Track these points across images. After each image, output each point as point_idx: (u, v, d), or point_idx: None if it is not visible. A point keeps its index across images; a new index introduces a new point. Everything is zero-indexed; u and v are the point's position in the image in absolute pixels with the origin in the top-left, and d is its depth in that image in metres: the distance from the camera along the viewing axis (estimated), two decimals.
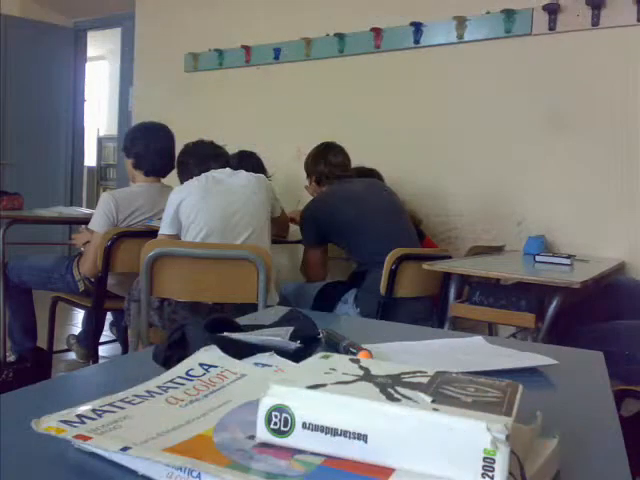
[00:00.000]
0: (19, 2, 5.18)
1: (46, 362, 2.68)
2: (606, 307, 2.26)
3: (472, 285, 2.07)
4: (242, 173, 2.30)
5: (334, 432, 0.42)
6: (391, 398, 0.43)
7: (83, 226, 2.60)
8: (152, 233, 2.29)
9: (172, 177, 2.59)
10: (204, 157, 2.36)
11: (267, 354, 0.66)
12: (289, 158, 3.55)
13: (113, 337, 3.21)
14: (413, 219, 2.72)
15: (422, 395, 0.43)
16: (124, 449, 0.41)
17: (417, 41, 3.23)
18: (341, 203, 2.51)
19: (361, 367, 0.50)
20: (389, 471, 0.40)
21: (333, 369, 0.49)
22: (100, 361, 2.68)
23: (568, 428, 0.51)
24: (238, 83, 3.95)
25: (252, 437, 0.45)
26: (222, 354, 0.63)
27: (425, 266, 2.02)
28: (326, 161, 2.64)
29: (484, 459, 0.38)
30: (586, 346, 0.95)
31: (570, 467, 0.47)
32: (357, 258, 2.51)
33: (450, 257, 2.45)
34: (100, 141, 7.68)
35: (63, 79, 5.38)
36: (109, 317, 3.11)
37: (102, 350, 3.07)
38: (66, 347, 3.13)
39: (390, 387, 0.45)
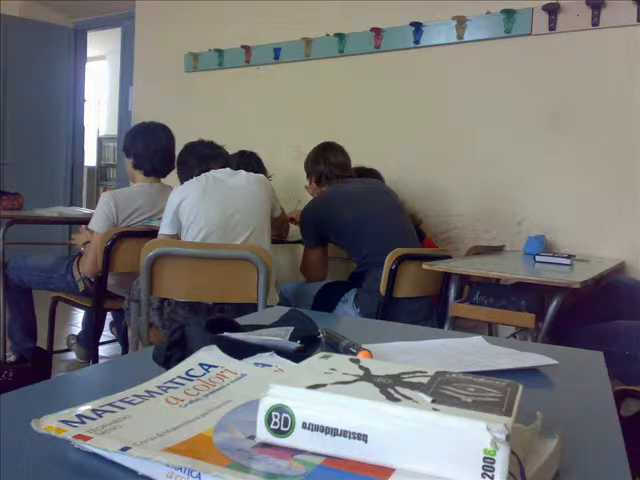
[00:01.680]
0: (19, 2, 5.18)
1: (46, 362, 2.68)
2: (606, 307, 2.26)
3: (472, 285, 2.07)
4: (242, 173, 2.30)
5: (334, 432, 0.42)
6: (391, 398, 0.43)
7: (83, 226, 2.60)
8: (152, 233, 2.30)
9: (172, 177, 2.59)
10: (204, 157, 2.36)
11: (267, 354, 0.66)
12: (289, 158, 3.55)
13: (113, 337, 3.21)
14: (413, 219, 2.72)
15: (422, 395, 0.43)
16: (124, 449, 0.41)
17: (417, 41, 3.24)
18: (341, 203, 2.51)
19: (361, 367, 0.50)
20: (389, 471, 0.40)
21: (333, 369, 0.49)
22: (100, 361, 2.68)
23: (568, 428, 0.51)
24: (238, 83, 3.95)
25: (252, 437, 0.45)
26: (222, 354, 0.63)
27: (425, 266, 2.02)
28: (326, 161, 2.64)
29: (484, 459, 0.38)
30: (586, 346, 0.95)
31: (570, 467, 0.47)
32: (357, 258, 2.51)
33: (450, 257, 2.45)
34: (100, 141, 7.69)
35: (63, 79, 5.38)
36: (109, 317, 3.11)
37: (102, 350, 3.07)
38: (66, 347, 3.14)
39: (390, 387, 0.45)
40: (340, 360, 0.53)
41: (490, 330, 2.88)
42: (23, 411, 0.53)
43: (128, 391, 0.53)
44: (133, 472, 0.41)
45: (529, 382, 0.54)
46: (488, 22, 3.03)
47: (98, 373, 0.79)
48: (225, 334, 0.69)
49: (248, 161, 2.90)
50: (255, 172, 2.41)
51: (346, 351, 0.73)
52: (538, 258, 2.32)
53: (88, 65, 5.74)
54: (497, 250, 2.86)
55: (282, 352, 0.67)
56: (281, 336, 0.71)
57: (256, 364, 0.63)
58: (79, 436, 0.43)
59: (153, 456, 0.40)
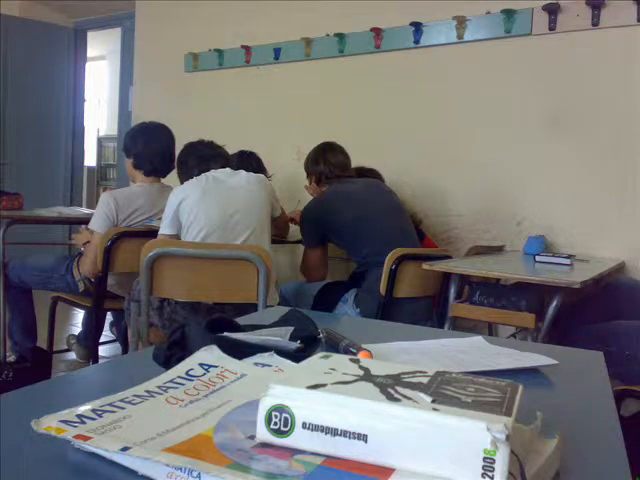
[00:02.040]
0: (19, 2, 5.18)
1: (46, 362, 2.68)
2: (606, 307, 2.26)
3: (472, 285, 2.07)
4: (242, 173, 2.30)
5: (334, 432, 0.42)
6: (391, 398, 0.43)
7: (83, 226, 2.60)
8: (152, 233, 2.30)
9: (172, 177, 2.59)
10: (204, 157, 2.36)
11: (267, 354, 0.66)
12: (289, 158, 3.55)
13: (113, 337, 3.21)
14: (413, 219, 2.72)
15: (422, 395, 0.43)
16: (124, 449, 0.41)
17: (417, 41, 3.23)
18: (341, 203, 2.51)
19: (361, 367, 0.50)
20: (389, 471, 0.40)
21: (333, 369, 0.49)
22: (100, 361, 2.68)
23: (568, 428, 0.51)
24: (238, 83, 3.95)
25: (252, 437, 0.45)
26: (222, 354, 0.63)
27: (425, 266, 2.02)
28: (326, 161, 2.64)
29: (484, 459, 0.38)
30: (586, 346, 0.95)
31: (570, 467, 0.47)
32: (357, 258, 2.51)
33: (450, 257, 2.45)
34: (100, 141, 7.69)
35: (63, 79, 5.38)
36: (109, 317, 3.11)
37: (102, 350, 3.07)
38: (66, 347, 3.14)
39: (390, 387, 0.45)
40: (340, 360, 0.53)
41: (490, 330, 2.88)
42: (23, 411, 0.53)
43: (128, 391, 0.53)
44: (133, 472, 0.41)
45: (529, 382, 0.54)
46: (488, 22, 3.03)
47: (98, 373, 0.79)
48: (225, 334, 0.69)
49: (248, 161, 2.90)
50: (255, 172, 2.41)
51: (346, 351, 0.73)
52: (538, 258, 2.32)
53: (88, 65, 5.74)
54: (497, 250, 2.86)
55: (282, 352, 0.67)
56: (281, 336, 0.71)
57: (256, 364, 0.63)
58: (79, 436, 0.43)
59: (153, 456, 0.40)
